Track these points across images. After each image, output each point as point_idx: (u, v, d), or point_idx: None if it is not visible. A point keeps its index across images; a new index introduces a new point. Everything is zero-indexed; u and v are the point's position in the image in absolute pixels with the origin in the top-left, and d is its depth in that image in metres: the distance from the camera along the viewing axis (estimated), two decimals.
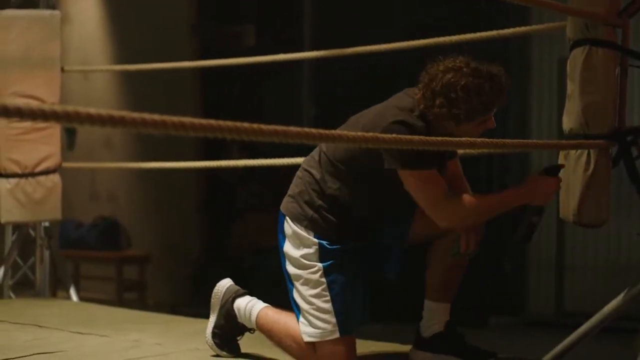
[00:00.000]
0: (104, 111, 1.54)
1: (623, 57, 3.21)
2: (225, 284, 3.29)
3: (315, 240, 2.99)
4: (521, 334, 6.59)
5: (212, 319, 3.27)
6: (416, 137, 2.28)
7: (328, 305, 2.97)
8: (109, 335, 3.69)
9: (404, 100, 2.94)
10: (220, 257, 7.47)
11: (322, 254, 2.98)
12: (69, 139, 8.31)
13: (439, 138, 2.38)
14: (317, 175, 3.00)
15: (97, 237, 7.68)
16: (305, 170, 3.06)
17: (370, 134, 1.98)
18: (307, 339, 3.01)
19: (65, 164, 4.94)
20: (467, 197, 2.88)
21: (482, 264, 6.72)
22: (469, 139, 2.23)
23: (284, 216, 3.07)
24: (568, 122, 3.18)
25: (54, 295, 5.86)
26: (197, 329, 3.58)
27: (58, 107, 1.50)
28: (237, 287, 3.28)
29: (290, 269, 3.05)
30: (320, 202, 2.99)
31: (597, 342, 3.60)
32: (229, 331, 3.24)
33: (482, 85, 2.78)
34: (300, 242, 3.02)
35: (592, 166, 3.08)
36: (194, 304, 6.74)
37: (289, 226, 3.04)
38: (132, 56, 6.58)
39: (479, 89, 2.77)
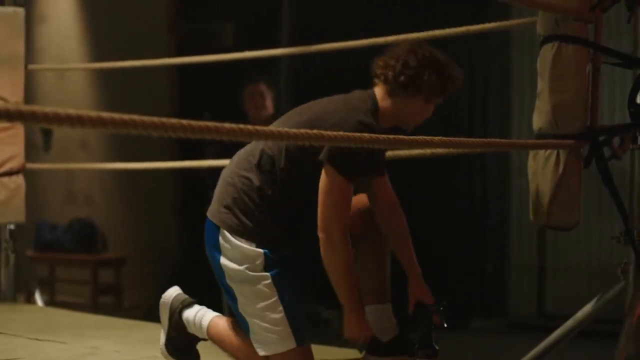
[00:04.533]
0: (60, 110, 1.50)
1: (595, 53, 3.10)
2: (172, 293, 3.12)
3: (259, 250, 2.80)
4: (503, 337, 6.51)
5: (163, 331, 3.12)
6: (384, 137, 2.17)
7: (280, 316, 2.80)
8: (67, 341, 3.60)
9: (354, 99, 2.87)
10: (196, 259, 7.34)
11: (268, 263, 2.81)
12: (45, 140, 8.20)
13: (401, 137, 2.28)
14: (255, 182, 2.81)
15: (73, 239, 7.57)
16: (239, 175, 2.84)
17: (316, 131, 1.86)
18: (262, 353, 2.84)
19: (30, 165, 4.81)
20: (344, 249, 2.75)
21: (465, 267, 6.71)
22: (424, 137, 2.12)
23: (217, 227, 2.85)
24: (538, 121, 3.07)
25: (28, 299, 5.73)
26: (157, 336, 3.43)
27: (20, 107, 1.45)
28: (184, 297, 3.11)
29: (233, 283, 2.85)
30: (257, 212, 2.81)
31: (575, 345, 3.53)
32: (183, 342, 3.09)
33: (448, 70, 2.87)
34: (242, 255, 2.82)
35: (561, 167, 2.97)
36: None
37: (225, 239, 2.83)
38: (109, 56, 6.45)
39: (445, 72, 2.85)
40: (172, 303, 3.09)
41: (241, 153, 2.91)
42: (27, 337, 3.69)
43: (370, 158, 2.80)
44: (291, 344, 2.80)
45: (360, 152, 2.70)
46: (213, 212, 2.88)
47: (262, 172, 2.81)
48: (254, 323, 2.84)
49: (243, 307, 2.85)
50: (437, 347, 2.89)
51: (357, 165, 2.73)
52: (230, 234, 2.82)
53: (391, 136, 2.06)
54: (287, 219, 2.84)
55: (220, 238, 2.85)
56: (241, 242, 2.81)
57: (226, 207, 2.84)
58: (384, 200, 3.00)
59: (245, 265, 2.81)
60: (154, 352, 3.30)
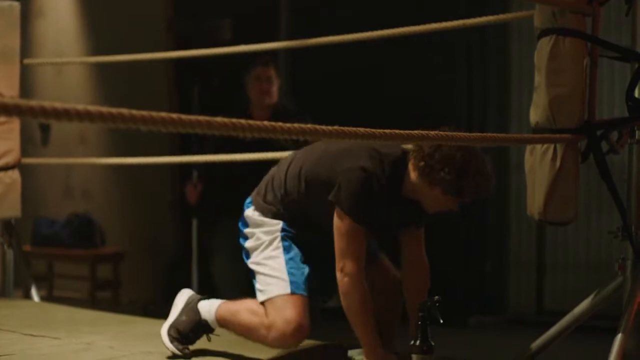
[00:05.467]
0: (46, 103, 1.49)
1: (593, 46, 3.08)
2: (189, 291, 3.36)
3: (278, 220, 3.19)
4: (501, 333, 6.49)
5: (172, 316, 3.26)
6: (379, 131, 2.14)
7: (281, 266, 3.10)
8: (61, 337, 3.57)
9: (386, 154, 3.05)
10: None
11: (283, 228, 3.19)
12: (44, 135, 8.18)
13: (396, 131, 2.25)
14: (284, 185, 3.19)
15: (71, 235, 7.55)
16: (280, 173, 3.22)
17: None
18: (261, 298, 3.10)
19: (25, 160, 4.78)
20: (359, 287, 2.99)
21: (463, 263, 6.68)
22: (420, 132, 2.10)
23: (251, 204, 3.29)
24: (535, 115, 3.05)
25: (26, 295, 5.72)
26: (152, 331, 3.45)
27: (15, 101, 1.46)
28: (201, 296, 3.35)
29: (250, 243, 3.22)
30: (281, 206, 3.20)
31: (573, 341, 3.51)
32: (187, 328, 3.22)
33: (469, 179, 2.94)
34: (263, 223, 3.22)
35: (558, 161, 2.94)
36: (168, 302, 6.60)
37: (254, 213, 3.24)
38: (108, 51, 6.44)
39: (465, 179, 2.93)
40: (191, 295, 3.31)
41: (295, 156, 3.27)
42: (21, 332, 3.66)
43: (386, 210, 3.05)
44: (286, 289, 3.06)
45: (367, 199, 2.97)
46: (254, 193, 3.32)
47: (289, 182, 3.18)
48: (259, 271, 3.15)
49: (253, 258, 3.19)
50: (432, 343, 2.87)
51: (363, 212, 2.97)
52: (258, 211, 3.24)
53: (387, 130, 2.03)
54: (301, 220, 3.20)
55: (250, 211, 3.27)
56: (265, 217, 3.22)
57: (260, 193, 3.27)
58: (410, 257, 3.22)
59: (263, 229, 3.21)
60: (149, 348, 3.30)
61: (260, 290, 3.12)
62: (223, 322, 3.19)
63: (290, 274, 3.09)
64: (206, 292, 3.43)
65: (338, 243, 3.00)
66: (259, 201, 3.25)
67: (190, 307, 3.24)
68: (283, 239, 3.17)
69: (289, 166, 3.19)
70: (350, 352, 3.29)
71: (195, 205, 5.60)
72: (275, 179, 3.23)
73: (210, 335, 3.25)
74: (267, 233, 3.19)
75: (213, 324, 3.21)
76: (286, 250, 3.14)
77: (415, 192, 3.02)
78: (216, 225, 5.30)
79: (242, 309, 3.15)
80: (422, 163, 2.94)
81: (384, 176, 2.99)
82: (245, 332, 3.13)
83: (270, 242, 3.17)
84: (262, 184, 3.29)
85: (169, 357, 3.18)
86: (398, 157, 3.04)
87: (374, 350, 3.01)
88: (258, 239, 3.20)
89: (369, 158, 3.00)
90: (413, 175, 2.99)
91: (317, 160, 3.12)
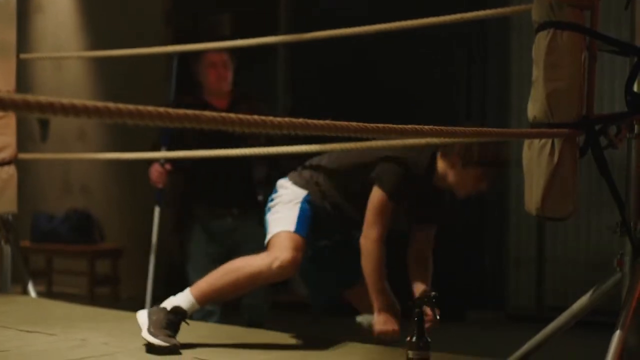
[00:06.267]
0: (30, 97, 1.46)
1: (591, 40, 3.05)
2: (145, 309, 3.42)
3: (305, 190, 3.54)
4: (501, 329, 6.48)
5: (144, 326, 3.29)
6: (373, 125, 2.13)
7: (293, 214, 3.44)
8: (56, 333, 3.55)
9: (416, 152, 3.47)
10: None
11: (306, 198, 3.52)
12: (43, 131, 8.16)
13: (391, 125, 2.23)
14: (319, 172, 3.61)
15: (70, 230, 7.54)
16: (317, 162, 3.67)
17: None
18: (268, 238, 3.41)
19: (22, 155, 4.76)
20: (378, 252, 3.36)
21: (462, 258, 6.66)
22: (415, 126, 2.08)
23: (286, 176, 3.65)
24: (532, 110, 3.01)
25: (24, 291, 5.70)
26: None
27: (11, 96, 1.43)
28: None
29: (272, 202, 3.55)
30: (313, 184, 3.58)
31: (572, 336, 3.49)
32: (163, 322, 3.25)
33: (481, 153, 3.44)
34: (290, 188, 3.56)
35: (556, 156, 2.91)
36: (167, 297, 6.58)
37: (285, 181, 3.61)
38: (106, 46, 6.42)
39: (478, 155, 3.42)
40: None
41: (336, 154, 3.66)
42: (17, 328, 3.65)
43: (416, 200, 3.50)
44: (291, 227, 3.40)
45: (402, 180, 3.40)
46: (292, 171, 3.70)
47: (321, 174, 3.60)
48: (270, 221, 3.49)
49: (273, 211, 3.52)
50: (429, 339, 2.85)
51: (399, 193, 3.39)
52: (291, 180, 3.62)
53: (381, 125, 2.01)
54: (326, 205, 3.58)
55: (282, 180, 3.65)
56: (295, 185, 3.58)
57: (298, 170, 3.68)
58: (417, 251, 3.59)
59: (289, 191, 3.55)
60: (142, 343, 3.28)
61: (270, 233, 3.43)
62: (204, 292, 3.28)
63: (297, 222, 3.41)
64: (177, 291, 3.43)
65: (369, 214, 3.38)
66: (294, 175, 3.63)
67: (154, 310, 3.32)
68: (302, 202, 3.50)
69: (325, 161, 3.62)
70: (359, 318, 3.40)
71: (161, 188, 5.42)
72: (313, 165, 3.64)
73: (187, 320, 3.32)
74: (289, 195, 3.53)
75: (191, 306, 3.28)
76: (302, 209, 3.47)
77: (443, 179, 3.43)
78: (189, 226, 5.19)
79: (223, 266, 3.34)
80: (445, 149, 3.40)
81: (421, 168, 3.43)
82: (237, 271, 3.29)
83: (289, 202, 3.50)
84: (301, 167, 3.68)
85: (162, 353, 3.17)
86: (431, 154, 3.47)
87: (384, 308, 3.32)
88: (280, 198, 3.54)
89: (410, 153, 3.44)
90: (440, 164, 3.43)
91: (353, 156, 3.57)
